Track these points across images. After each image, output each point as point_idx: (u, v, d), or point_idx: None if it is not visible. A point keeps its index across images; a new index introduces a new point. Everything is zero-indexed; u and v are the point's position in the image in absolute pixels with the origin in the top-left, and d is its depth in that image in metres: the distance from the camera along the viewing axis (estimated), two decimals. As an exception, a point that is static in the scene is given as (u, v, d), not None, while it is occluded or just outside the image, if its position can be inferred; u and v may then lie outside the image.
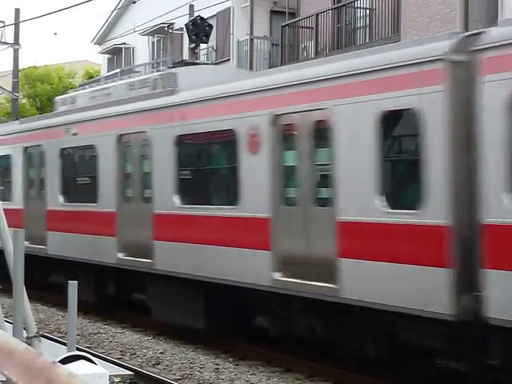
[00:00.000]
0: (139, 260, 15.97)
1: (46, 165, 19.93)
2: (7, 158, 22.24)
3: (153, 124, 15.78)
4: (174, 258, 15.10)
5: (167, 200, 15.24)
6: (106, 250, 17.09)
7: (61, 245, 19.10)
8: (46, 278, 21.51)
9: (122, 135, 16.81)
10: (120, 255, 16.63)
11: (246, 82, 14.08)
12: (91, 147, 18.01)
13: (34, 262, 19.21)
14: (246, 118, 13.32)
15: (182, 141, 15.13)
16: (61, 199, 19.18)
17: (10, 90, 35.42)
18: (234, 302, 14.47)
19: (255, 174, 13.13)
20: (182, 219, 14.95)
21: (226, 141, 14.13)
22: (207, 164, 14.93)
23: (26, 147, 20.92)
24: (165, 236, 15.35)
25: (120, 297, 18.29)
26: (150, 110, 16.04)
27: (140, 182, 16.43)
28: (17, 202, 21.22)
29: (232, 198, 13.67)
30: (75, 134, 18.61)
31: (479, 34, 10.11)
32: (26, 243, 18.81)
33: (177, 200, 15.03)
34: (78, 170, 19.33)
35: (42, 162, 20.18)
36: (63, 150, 19.21)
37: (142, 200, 16.27)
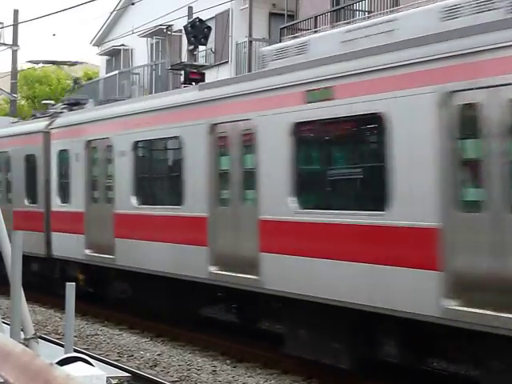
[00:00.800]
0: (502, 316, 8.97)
1: (257, 151, 12.94)
2: (173, 141, 15.55)
3: None
4: None
5: None
6: (414, 292, 10.08)
7: (292, 275, 12.11)
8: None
9: (452, 93, 9.67)
10: (451, 304, 9.55)
11: None
12: (372, 119, 10.91)
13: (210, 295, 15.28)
14: None
15: None
16: (293, 204, 12.07)
17: (9, 91, 35.40)
18: None
19: None
20: None
21: None
22: None
23: (214, 125, 14.01)
24: None
25: (408, 364, 11.73)
26: None
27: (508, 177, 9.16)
28: (192, 206, 14.47)
29: None
30: (332, 99, 11.42)
31: None
32: (213, 269, 13.72)
33: None
34: (336, 157, 12.13)
35: (247, 146, 13.35)
36: (299, 125, 12.09)
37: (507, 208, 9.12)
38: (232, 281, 13.39)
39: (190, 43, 23.12)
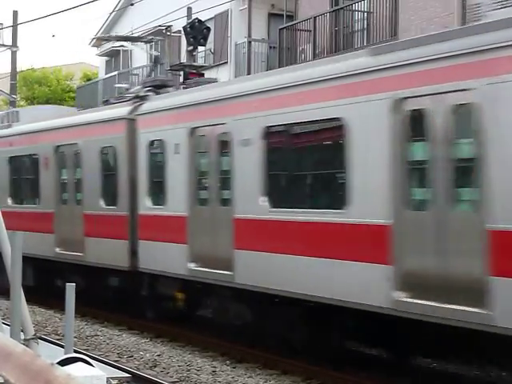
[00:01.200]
0: None
1: (482, 134, 9.43)
2: (330, 124, 11.98)
3: None
4: None
5: None
6: None
7: None
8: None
9: None
10: None
11: None
12: None
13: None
14: None
15: None
16: None
17: (8, 92, 35.42)
18: None
19: None
20: None
21: None
22: None
23: (402, 99, 10.45)
24: None
25: None
26: None
27: None
28: (364, 210, 10.87)
29: None
30: None
31: None
32: (400, 296, 10.15)
33: None
34: None
35: (463, 128, 9.90)
36: None
37: None
38: (435, 313, 9.67)
39: (189, 44, 23.12)
